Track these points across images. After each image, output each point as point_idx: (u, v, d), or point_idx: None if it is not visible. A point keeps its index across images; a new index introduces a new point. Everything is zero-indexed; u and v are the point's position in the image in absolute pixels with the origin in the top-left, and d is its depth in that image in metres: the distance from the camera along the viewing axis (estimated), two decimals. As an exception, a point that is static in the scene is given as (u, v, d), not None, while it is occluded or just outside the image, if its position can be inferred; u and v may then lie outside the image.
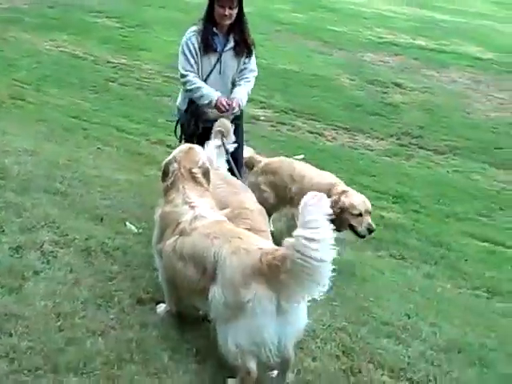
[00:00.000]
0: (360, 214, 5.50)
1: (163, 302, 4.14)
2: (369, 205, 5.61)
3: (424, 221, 8.26)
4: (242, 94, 5.62)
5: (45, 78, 11.96)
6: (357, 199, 5.53)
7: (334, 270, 5.58)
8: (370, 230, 5.63)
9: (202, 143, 5.27)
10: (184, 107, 5.77)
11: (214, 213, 3.92)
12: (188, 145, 4.35)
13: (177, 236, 3.79)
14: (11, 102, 10.30)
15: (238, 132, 5.71)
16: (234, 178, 5.12)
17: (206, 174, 4.17)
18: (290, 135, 11.26)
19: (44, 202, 5.51)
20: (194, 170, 4.08)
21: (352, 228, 5.57)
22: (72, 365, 3.28)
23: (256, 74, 5.81)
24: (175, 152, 4.20)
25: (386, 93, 15.09)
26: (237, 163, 5.53)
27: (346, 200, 5.42)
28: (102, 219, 5.49)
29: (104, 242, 4.95)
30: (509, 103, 14.25)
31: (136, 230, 5.44)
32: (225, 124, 5.44)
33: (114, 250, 4.88)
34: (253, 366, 3.36)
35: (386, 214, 8.28)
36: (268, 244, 3.55)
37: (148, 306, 4.15)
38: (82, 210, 5.61)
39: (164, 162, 4.13)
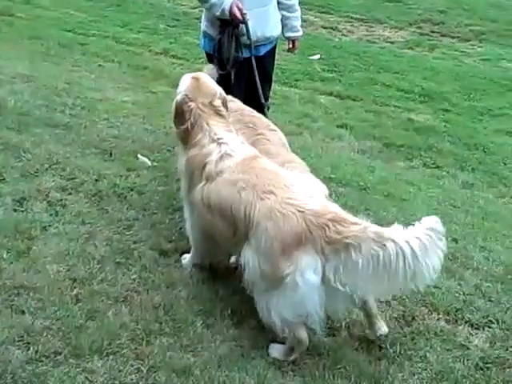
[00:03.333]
0: None
1: (188, 252, 3.71)
2: None
3: (456, 121, 7.68)
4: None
5: (33, -12, 11.06)
6: None
7: (366, 191, 5.39)
8: None
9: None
10: (214, 30, 4.65)
11: (243, 148, 3.35)
12: (190, 75, 3.65)
13: (204, 182, 3.26)
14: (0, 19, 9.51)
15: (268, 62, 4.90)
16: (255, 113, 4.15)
17: (224, 103, 3.58)
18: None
19: (46, 139, 4.99)
20: (215, 103, 3.50)
21: None
22: (95, 345, 2.88)
23: None
24: (181, 87, 3.55)
25: (400, -25, 14.03)
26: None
27: None
28: (111, 153, 4.98)
29: (116, 182, 4.46)
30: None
31: (150, 163, 4.95)
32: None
33: (128, 191, 4.40)
34: (303, 333, 2.98)
35: (414, 116, 7.71)
36: (307, 199, 2.97)
37: (172, 258, 3.70)
38: (88, 143, 5.09)
39: (175, 104, 3.49)
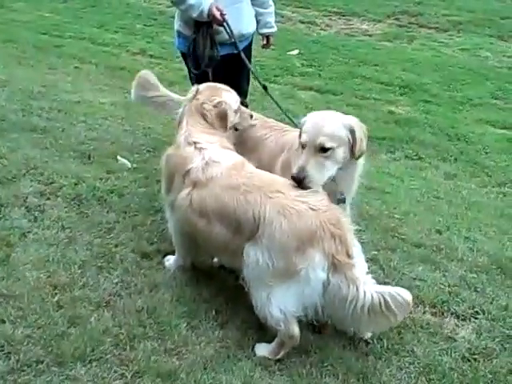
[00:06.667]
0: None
1: (171, 253, 3.66)
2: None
3: (436, 112, 7.69)
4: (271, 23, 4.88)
5: (7, -9, 10.95)
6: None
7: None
8: None
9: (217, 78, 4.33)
10: (189, 30, 4.58)
11: (227, 154, 3.31)
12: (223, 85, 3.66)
13: (190, 188, 3.20)
14: (-27, 24, 9.40)
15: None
16: None
17: (221, 117, 3.50)
18: (280, 28, 10.39)
19: (22, 144, 4.92)
20: (204, 105, 3.46)
21: None
22: (78, 352, 2.83)
23: None
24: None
25: (376, -33, 14.03)
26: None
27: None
28: (89, 156, 4.92)
29: (95, 185, 4.40)
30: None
31: (129, 165, 4.88)
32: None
33: (108, 193, 4.34)
34: (296, 329, 2.98)
35: (394, 108, 7.72)
36: (315, 198, 2.98)
37: (155, 260, 3.65)
38: (66, 147, 5.03)
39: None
